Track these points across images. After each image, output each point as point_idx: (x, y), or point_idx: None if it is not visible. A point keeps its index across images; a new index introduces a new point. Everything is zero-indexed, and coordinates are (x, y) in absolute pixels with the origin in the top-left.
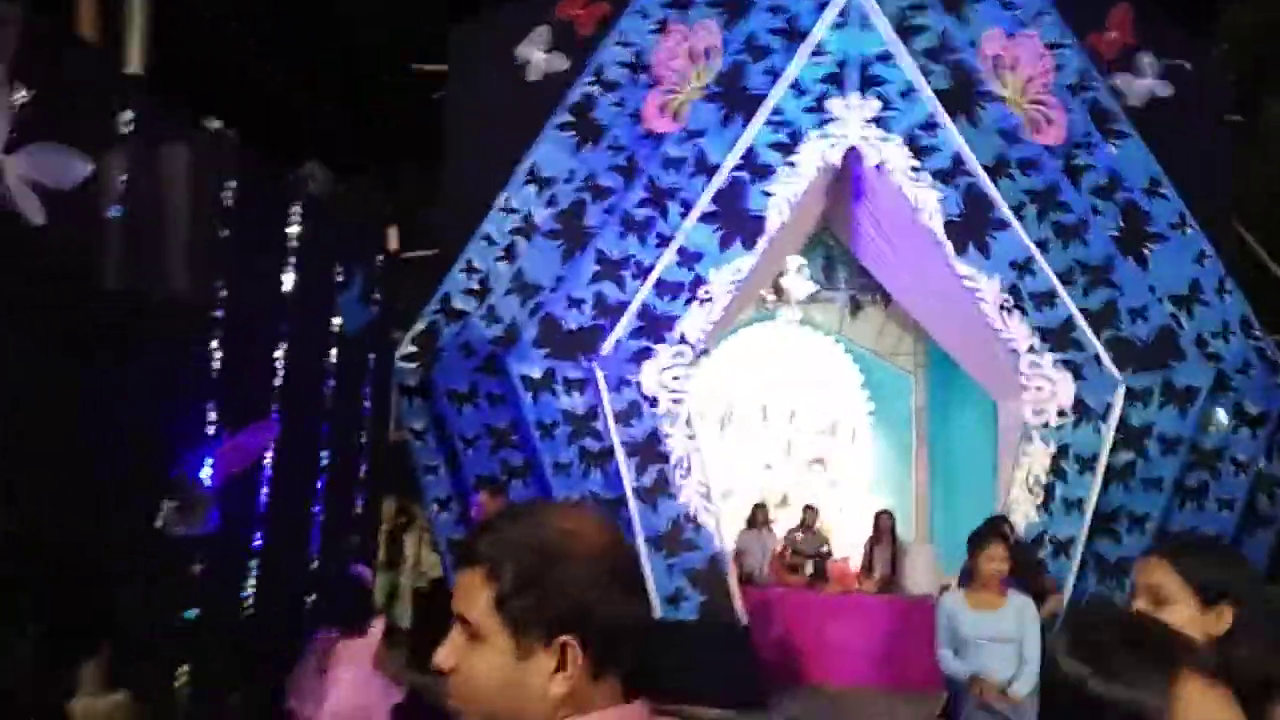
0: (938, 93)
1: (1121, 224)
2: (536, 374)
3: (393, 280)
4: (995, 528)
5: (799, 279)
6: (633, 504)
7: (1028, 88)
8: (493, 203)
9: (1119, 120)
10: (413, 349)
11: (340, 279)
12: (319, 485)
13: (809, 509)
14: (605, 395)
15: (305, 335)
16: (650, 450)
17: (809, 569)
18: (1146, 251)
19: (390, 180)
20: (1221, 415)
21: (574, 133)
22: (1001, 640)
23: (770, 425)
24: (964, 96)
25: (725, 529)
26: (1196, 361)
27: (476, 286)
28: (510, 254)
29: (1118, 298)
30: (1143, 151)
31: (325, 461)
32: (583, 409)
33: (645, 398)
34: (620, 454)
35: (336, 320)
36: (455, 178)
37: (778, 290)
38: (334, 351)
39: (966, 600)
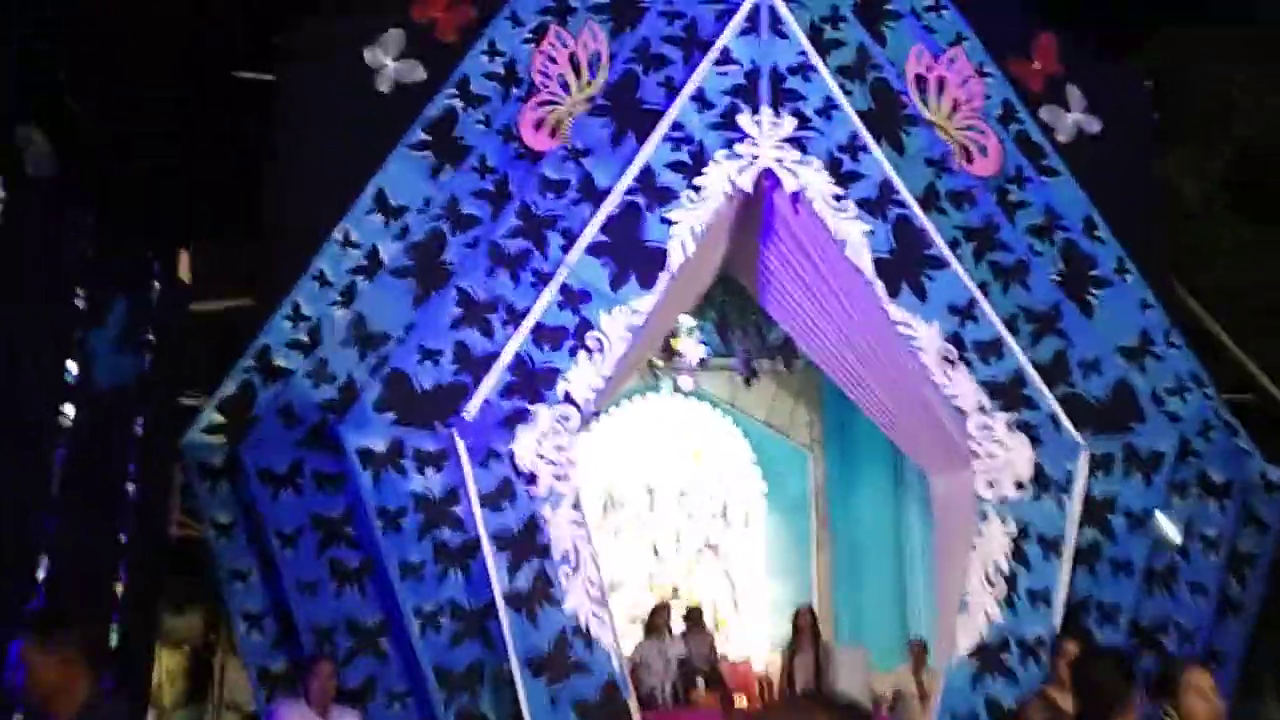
0: (858, 115)
1: (1063, 267)
2: (379, 446)
3: (177, 322)
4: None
5: (691, 342)
6: (504, 615)
7: (956, 113)
8: (327, 236)
9: (1049, 155)
10: (217, 418)
11: (84, 307)
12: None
13: (691, 611)
14: (468, 471)
15: (14, 384)
16: (527, 543)
17: (702, 683)
18: (1091, 298)
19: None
20: (1166, 526)
21: (430, 153)
22: None
23: (657, 508)
24: (887, 119)
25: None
26: (1158, 422)
27: (304, 338)
28: (349, 297)
29: (1068, 349)
30: (1076, 190)
31: (44, 573)
32: (439, 491)
33: (520, 474)
34: (488, 548)
35: (71, 366)
36: (280, 207)
37: (668, 354)
38: (70, 410)
39: None
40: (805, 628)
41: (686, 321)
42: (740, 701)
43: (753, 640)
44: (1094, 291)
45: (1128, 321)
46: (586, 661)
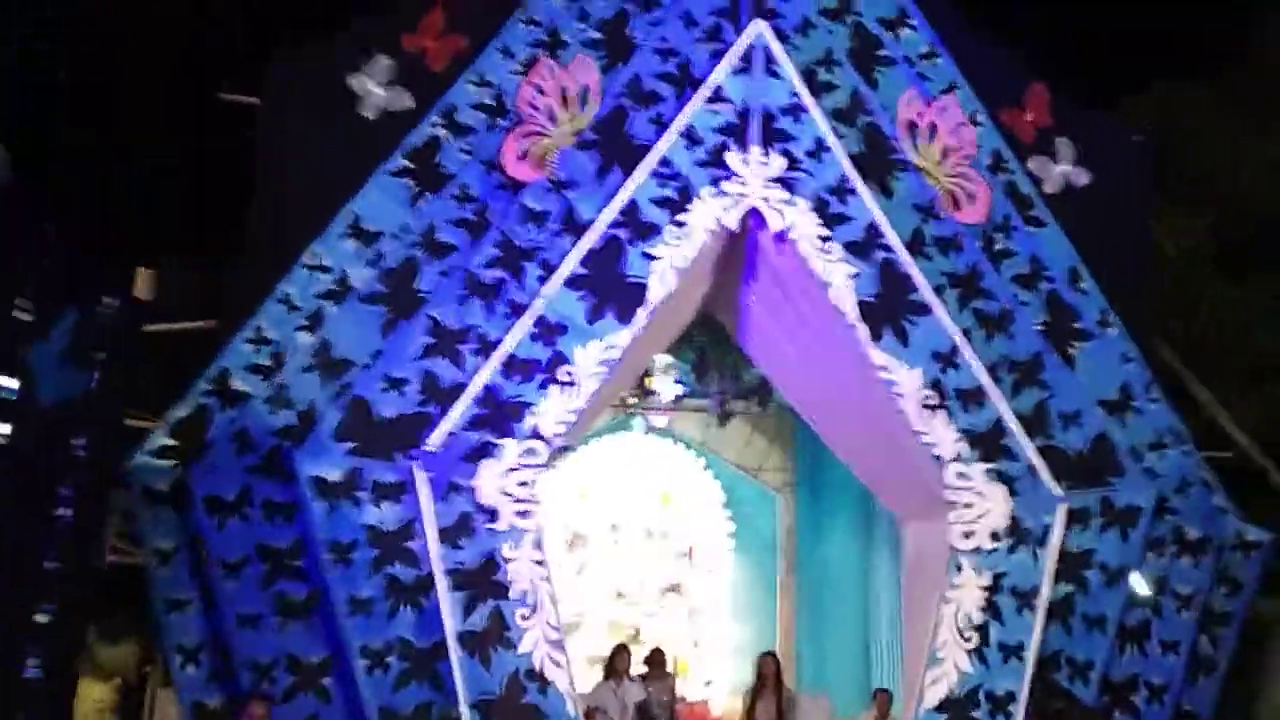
0: (849, 158)
1: (1046, 317)
2: (334, 476)
3: (130, 340)
4: None
5: (666, 380)
6: (455, 655)
7: (946, 159)
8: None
9: (1036, 206)
10: (168, 441)
11: (29, 319)
12: None
13: (653, 653)
14: (427, 505)
15: None
16: (484, 581)
17: None
18: (1073, 350)
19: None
20: (1138, 584)
21: (410, 180)
22: None
23: (622, 548)
24: (877, 164)
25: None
26: (1136, 477)
27: (266, 362)
28: (315, 322)
29: (1049, 399)
30: (1063, 241)
31: None
32: (394, 524)
33: (482, 509)
34: (442, 585)
35: (10, 382)
36: (255, 230)
37: (642, 391)
38: (4, 428)
39: None
40: (769, 675)
41: (662, 359)
42: None
43: (714, 683)
44: (1076, 343)
45: (1109, 374)
46: (539, 706)
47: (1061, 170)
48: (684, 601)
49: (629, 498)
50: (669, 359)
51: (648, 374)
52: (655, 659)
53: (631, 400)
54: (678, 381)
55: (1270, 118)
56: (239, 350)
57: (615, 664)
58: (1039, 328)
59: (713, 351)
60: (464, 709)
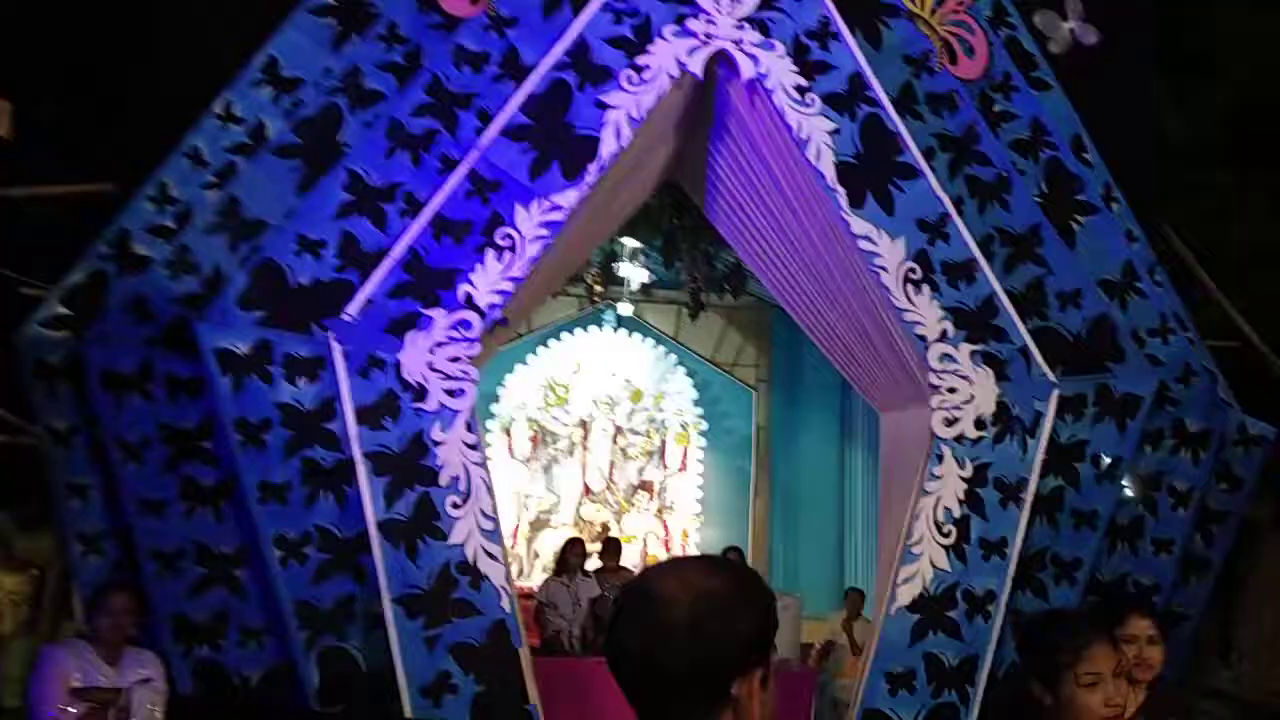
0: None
1: (1045, 188)
2: (242, 348)
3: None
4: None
5: (635, 267)
6: (377, 547)
7: (943, 5)
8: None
9: (1040, 66)
10: (61, 311)
11: None
12: None
13: (607, 542)
14: (344, 381)
15: None
16: (409, 466)
17: None
18: (1075, 225)
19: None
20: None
21: (334, 19)
22: None
23: (592, 445)
24: (864, 7)
25: (535, 576)
26: (1137, 363)
27: (170, 224)
28: (226, 179)
29: (1045, 277)
30: (1066, 107)
31: None
32: (311, 402)
33: (407, 387)
34: (362, 470)
35: None
36: (154, 78)
37: (607, 279)
38: None
39: None
40: None
41: (630, 244)
42: None
43: None
44: (1078, 218)
45: (1111, 253)
46: (472, 601)
47: (1070, 27)
48: (654, 500)
49: (599, 393)
50: (636, 244)
51: (614, 259)
52: (611, 549)
53: (598, 289)
54: (646, 269)
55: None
56: (140, 210)
57: (568, 558)
58: (1037, 199)
59: (683, 235)
60: (387, 604)
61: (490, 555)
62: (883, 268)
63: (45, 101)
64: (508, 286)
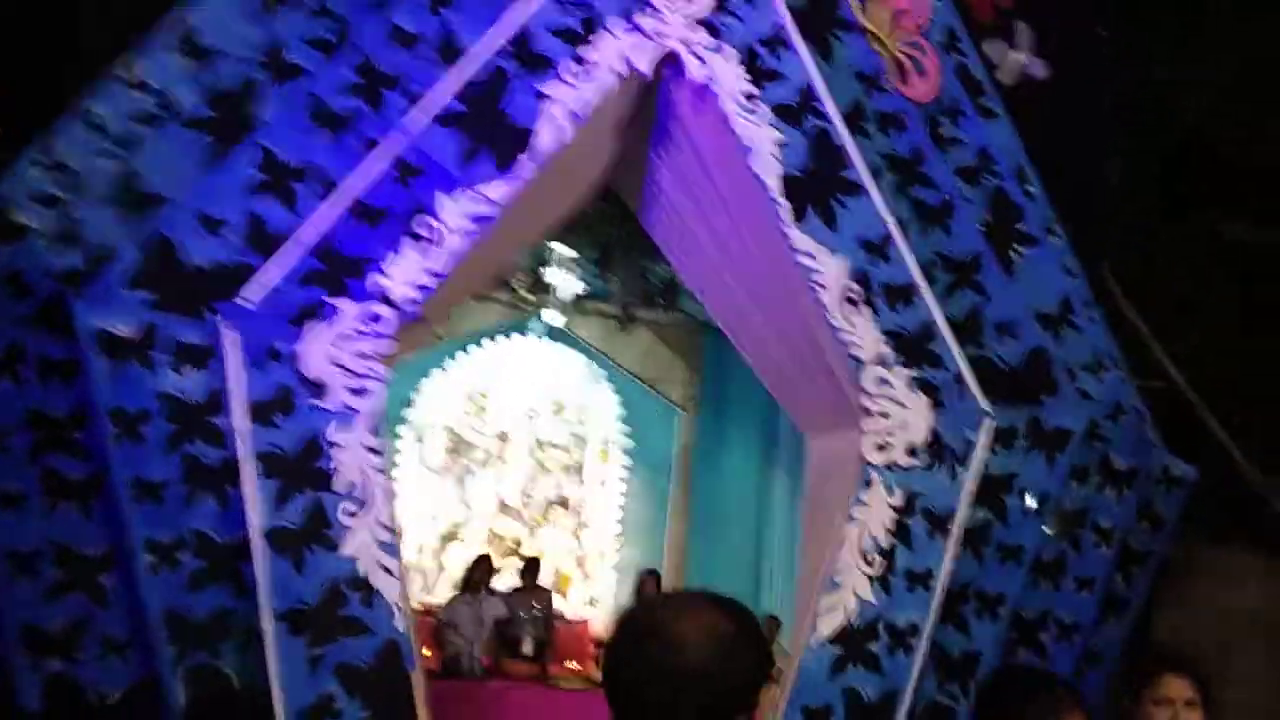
0: (788, 8)
1: (989, 217)
2: (125, 330)
3: None
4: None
5: (567, 276)
6: (260, 555)
7: (898, 25)
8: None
9: (988, 94)
10: None
11: None
12: None
13: (529, 562)
14: (235, 371)
15: None
16: (303, 468)
17: (527, 646)
18: (1015, 255)
19: None
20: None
21: None
22: None
23: (510, 458)
24: (819, 19)
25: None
26: (1070, 397)
27: (58, 193)
28: (127, 148)
29: (984, 306)
30: (1011, 135)
31: None
32: (198, 394)
33: (305, 382)
34: (248, 471)
35: None
36: (52, 36)
37: (537, 286)
38: None
39: None
40: (650, 594)
41: (564, 253)
42: (571, 666)
43: (598, 602)
44: (1019, 248)
45: (1049, 286)
46: (362, 619)
47: (1019, 58)
48: (571, 517)
49: (520, 404)
50: (570, 253)
51: (544, 265)
52: (531, 568)
53: (528, 296)
54: (581, 280)
55: (1217, 46)
56: (25, 175)
57: (473, 576)
58: (980, 227)
59: (619, 247)
60: (267, 619)
61: (386, 570)
62: (822, 285)
63: None
64: (427, 281)
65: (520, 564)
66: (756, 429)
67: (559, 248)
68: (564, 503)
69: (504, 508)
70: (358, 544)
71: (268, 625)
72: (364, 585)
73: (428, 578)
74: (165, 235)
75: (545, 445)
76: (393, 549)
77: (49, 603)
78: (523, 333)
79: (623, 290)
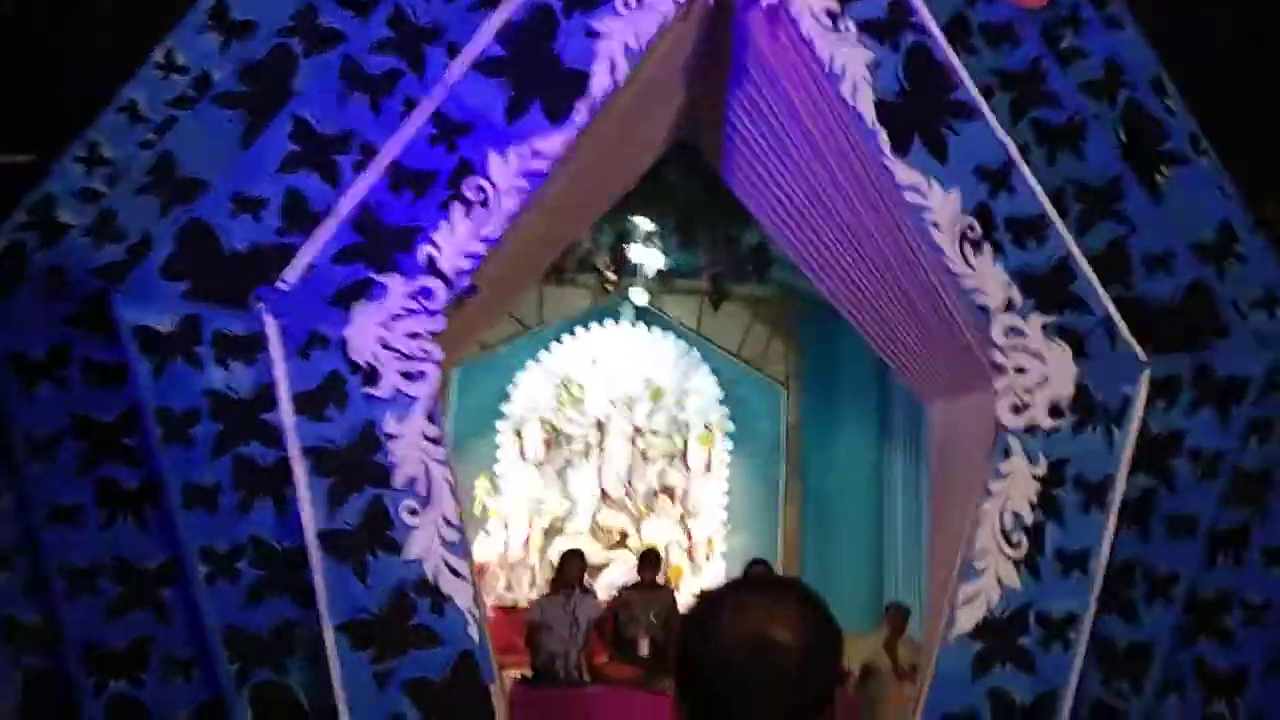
0: None
1: (1124, 135)
2: (165, 326)
3: None
4: None
5: (650, 250)
6: (317, 562)
7: None
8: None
9: (1111, 4)
10: None
11: None
12: None
13: (649, 556)
14: (279, 362)
15: None
16: (357, 464)
17: (645, 648)
18: (1160, 177)
19: None
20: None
21: None
22: None
23: (610, 447)
24: None
25: (521, 591)
26: (1241, 340)
27: (102, 187)
28: (163, 134)
29: (1128, 238)
30: (1143, 46)
31: None
32: (247, 390)
33: (355, 368)
34: (299, 470)
35: None
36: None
37: (619, 265)
38: None
39: None
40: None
41: (643, 225)
42: None
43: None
44: (1164, 169)
45: (1205, 210)
46: (433, 628)
47: None
48: (676, 506)
49: (615, 392)
50: (651, 226)
51: (626, 242)
52: (646, 562)
53: (611, 277)
54: (662, 253)
55: None
56: (68, 172)
57: (565, 572)
58: (1117, 147)
59: (701, 215)
60: (329, 632)
61: (455, 572)
62: (935, 224)
63: None
64: (479, 249)
65: (636, 559)
66: (867, 403)
67: (639, 221)
68: (669, 491)
69: (606, 499)
70: (423, 545)
71: (329, 639)
72: (432, 590)
73: (534, 574)
74: (200, 219)
75: (645, 433)
76: (461, 549)
77: (110, 621)
78: (615, 319)
79: (710, 262)
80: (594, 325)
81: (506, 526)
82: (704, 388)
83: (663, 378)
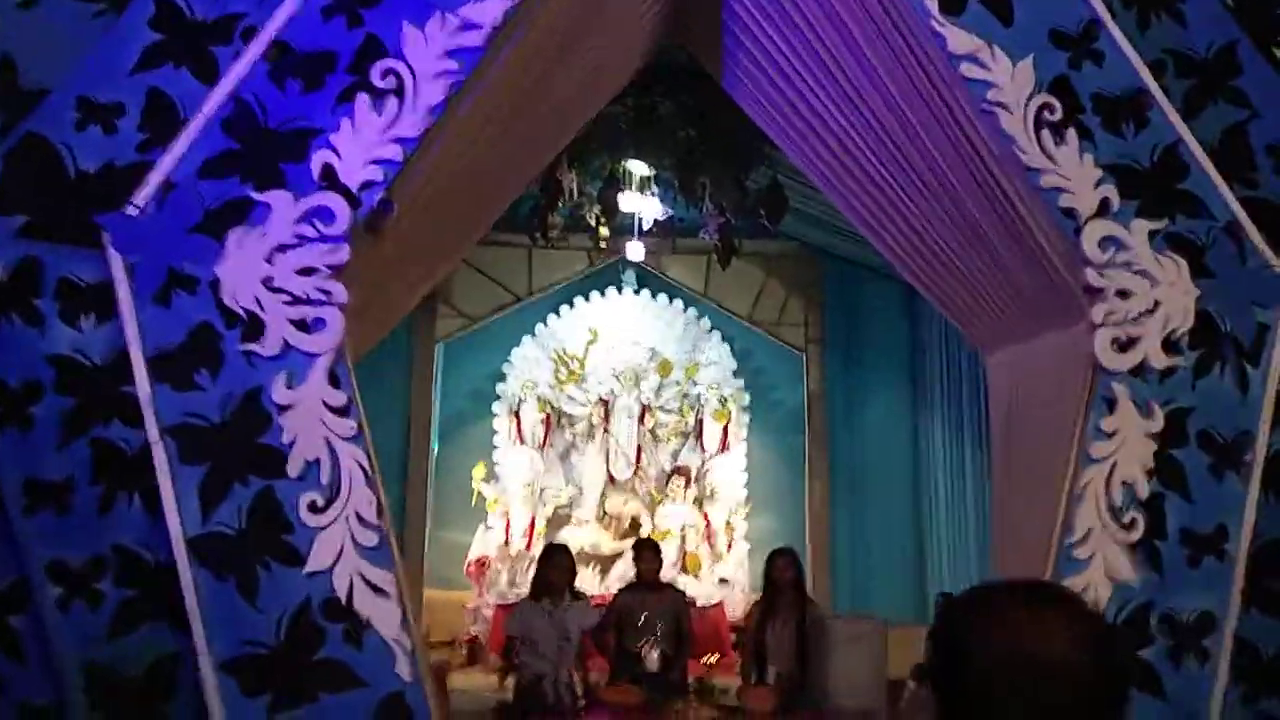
0: None
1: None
2: None
3: None
4: None
5: (645, 199)
6: (189, 579)
7: None
8: None
9: None
10: None
11: None
12: None
13: (645, 547)
14: (128, 311)
15: None
16: (239, 447)
17: (653, 662)
18: None
19: None
20: None
21: None
22: None
23: (615, 427)
24: None
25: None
26: None
27: None
28: (7, 41)
29: (1249, 122)
30: None
31: None
32: (105, 354)
33: (232, 319)
34: (160, 456)
35: None
36: None
37: (610, 216)
38: None
39: None
40: (784, 584)
41: (638, 169)
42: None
43: (730, 583)
44: None
45: None
46: (348, 665)
47: None
48: (691, 488)
49: (619, 366)
50: (645, 169)
51: (619, 188)
52: (642, 553)
53: (605, 233)
54: (659, 200)
55: None
56: None
57: (548, 573)
58: (1226, 8)
59: (701, 151)
60: (208, 671)
61: (375, 588)
62: (1000, 105)
63: None
64: (393, 154)
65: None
66: (899, 366)
67: (632, 165)
68: (682, 473)
69: (614, 483)
70: (331, 552)
71: (209, 680)
72: (345, 613)
73: None
74: (38, 133)
75: (653, 410)
76: (383, 556)
77: None
78: (616, 286)
79: (715, 212)
80: (593, 294)
81: (506, 516)
82: (715, 357)
83: (670, 348)
